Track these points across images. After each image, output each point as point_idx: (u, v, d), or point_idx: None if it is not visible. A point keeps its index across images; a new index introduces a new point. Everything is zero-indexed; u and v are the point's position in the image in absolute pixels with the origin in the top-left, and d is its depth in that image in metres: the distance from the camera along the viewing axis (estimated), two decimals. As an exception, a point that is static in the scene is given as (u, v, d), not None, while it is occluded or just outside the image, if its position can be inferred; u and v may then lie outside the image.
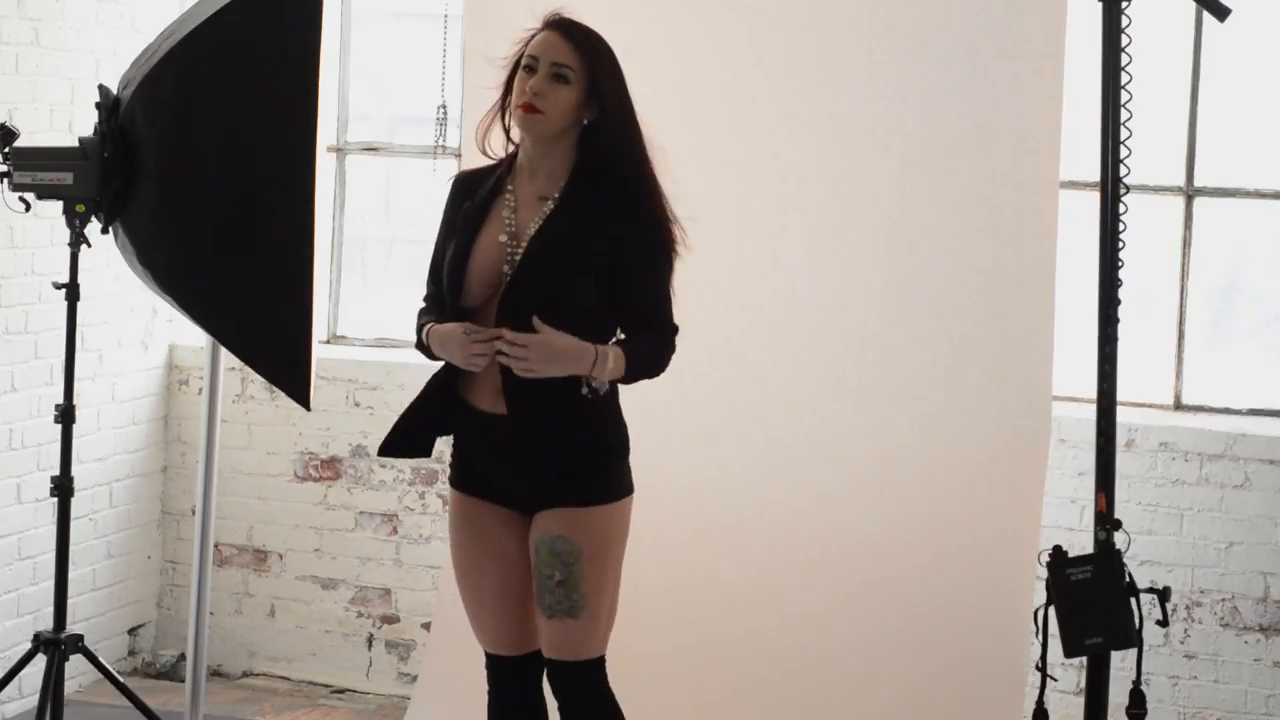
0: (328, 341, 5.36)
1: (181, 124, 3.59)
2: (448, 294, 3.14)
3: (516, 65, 3.17)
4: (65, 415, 3.82)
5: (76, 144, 3.71)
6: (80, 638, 3.90)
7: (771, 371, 4.40)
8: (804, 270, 4.37)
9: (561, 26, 3.15)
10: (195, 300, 3.64)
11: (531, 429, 3.10)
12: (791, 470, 4.37)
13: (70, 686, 4.78)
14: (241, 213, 3.57)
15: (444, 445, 3.36)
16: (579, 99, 3.11)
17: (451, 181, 3.29)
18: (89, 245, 3.77)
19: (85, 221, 3.70)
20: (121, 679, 4.03)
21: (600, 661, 3.18)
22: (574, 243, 3.09)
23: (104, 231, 3.76)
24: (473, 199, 3.18)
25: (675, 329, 3.20)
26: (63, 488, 3.83)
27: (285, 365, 3.61)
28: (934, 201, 4.28)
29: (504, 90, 3.20)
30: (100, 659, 3.98)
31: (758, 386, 4.40)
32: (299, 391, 3.62)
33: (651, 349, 3.17)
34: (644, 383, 3.22)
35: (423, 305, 3.31)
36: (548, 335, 3.03)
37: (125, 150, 3.64)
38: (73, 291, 3.80)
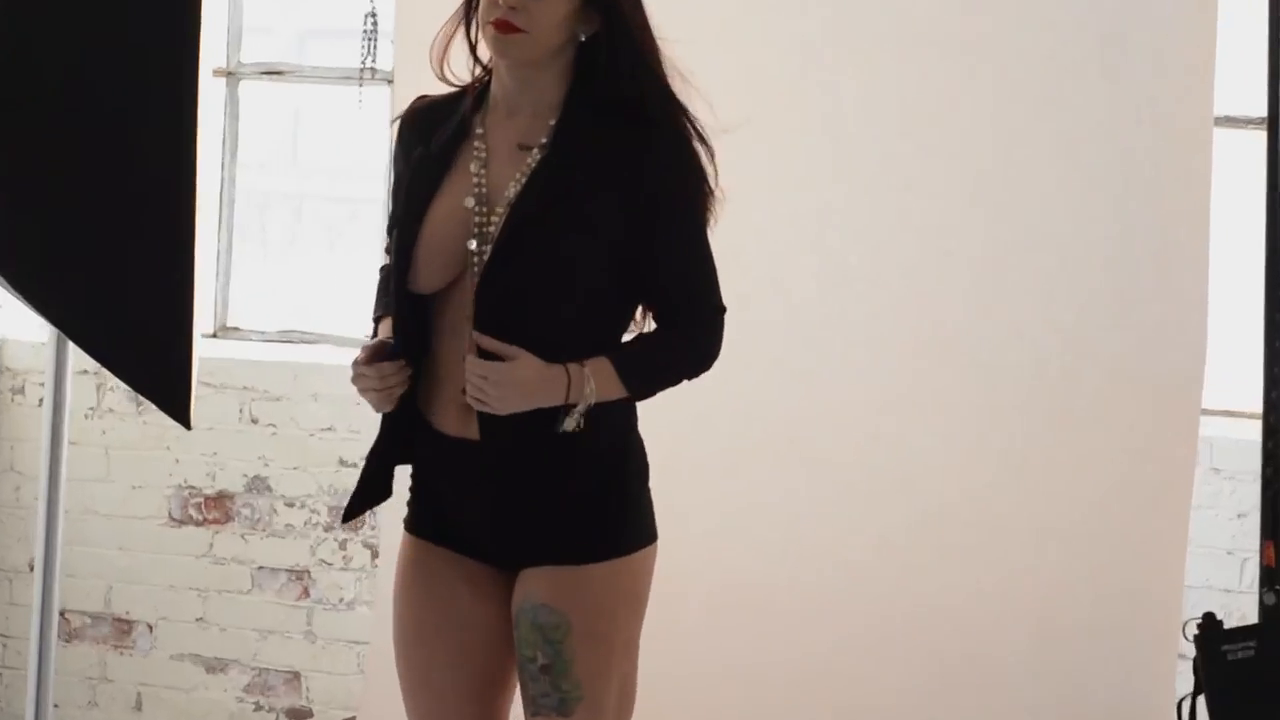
0: (214, 335, 5.37)
1: (15, 39, 3.57)
2: (394, 277, 3.14)
3: None
4: None
5: None
6: (-124, 738, 3.90)
7: (818, 376, 4.41)
8: (863, 239, 4.37)
9: None
10: (33, 280, 3.61)
11: (511, 460, 3.08)
12: (845, 510, 4.36)
13: None
14: (97, 160, 3.56)
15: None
16: (571, 7, 3.07)
17: (399, 119, 3.28)
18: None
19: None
20: (-66, 794, 4.04)
21: None
22: (571, 207, 3.07)
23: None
24: (428, 144, 3.17)
25: (718, 308, 3.18)
26: None
27: (156, 368, 3.60)
28: (1041, 144, 4.27)
29: None
30: (-96, 767, 3.99)
31: (800, 396, 4.42)
32: (175, 403, 3.60)
33: (669, 347, 3.15)
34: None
35: (381, 272, 3.34)
36: (515, 365, 3.02)
37: (-66, 74, 3.64)
38: None
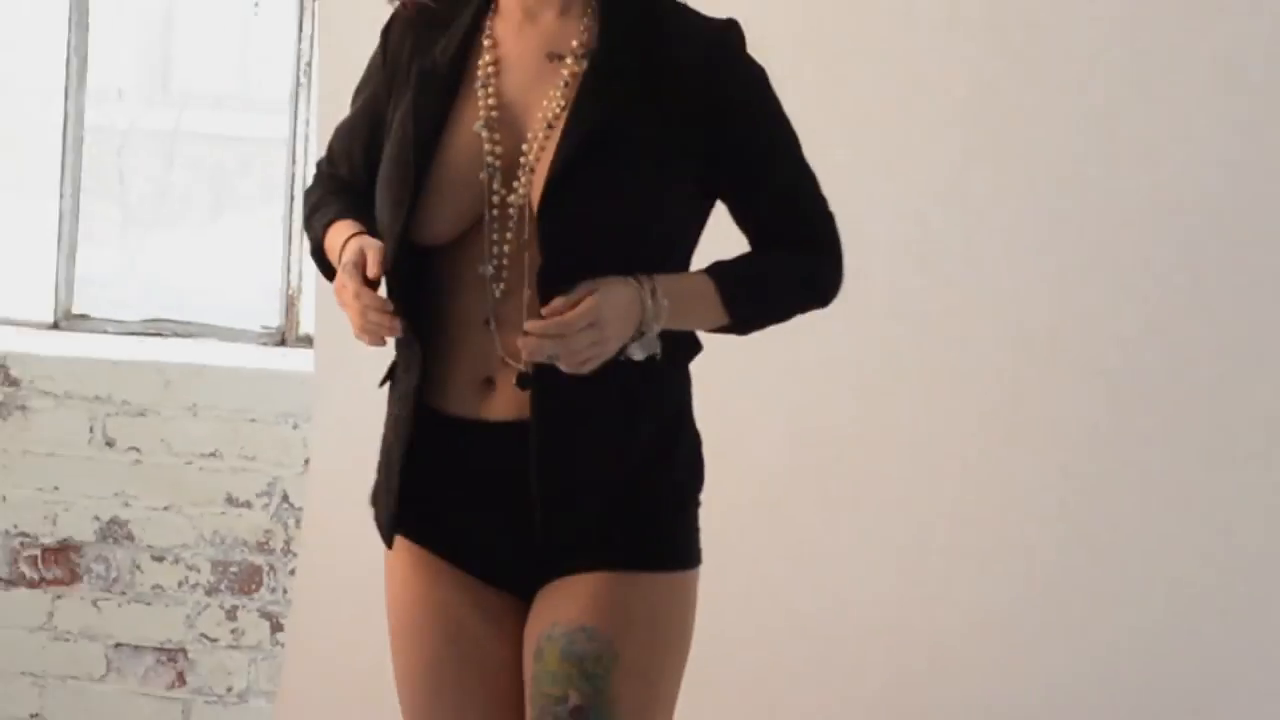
0: (55, 326, 5.21)
1: None
2: (389, 223, 3.01)
3: None
4: None
5: None
6: None
7: (881, 386, 4.35)
8: (958, 219, 4.29)
9: None
10: None
11: (561, 435, 2.98)
12: (920, 577, 4.28)
13: None
14: None
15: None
16: None
17: (394, 19, 3.13)
18: None
19: None
20: None
21: None
22: (638, 127, 2.99)
23: None
24: (432, 56, 3.06)
25: (831, 215, 3.09)
26: None
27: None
28: (1177, 85, 4.15)
29: None
30: None
31: (856, 413, 4.35)
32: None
33: (788, 268, 3.09)
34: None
35: (315, 182, 3.22)
36: (599, 294, 2.91)
37: None
38: None
